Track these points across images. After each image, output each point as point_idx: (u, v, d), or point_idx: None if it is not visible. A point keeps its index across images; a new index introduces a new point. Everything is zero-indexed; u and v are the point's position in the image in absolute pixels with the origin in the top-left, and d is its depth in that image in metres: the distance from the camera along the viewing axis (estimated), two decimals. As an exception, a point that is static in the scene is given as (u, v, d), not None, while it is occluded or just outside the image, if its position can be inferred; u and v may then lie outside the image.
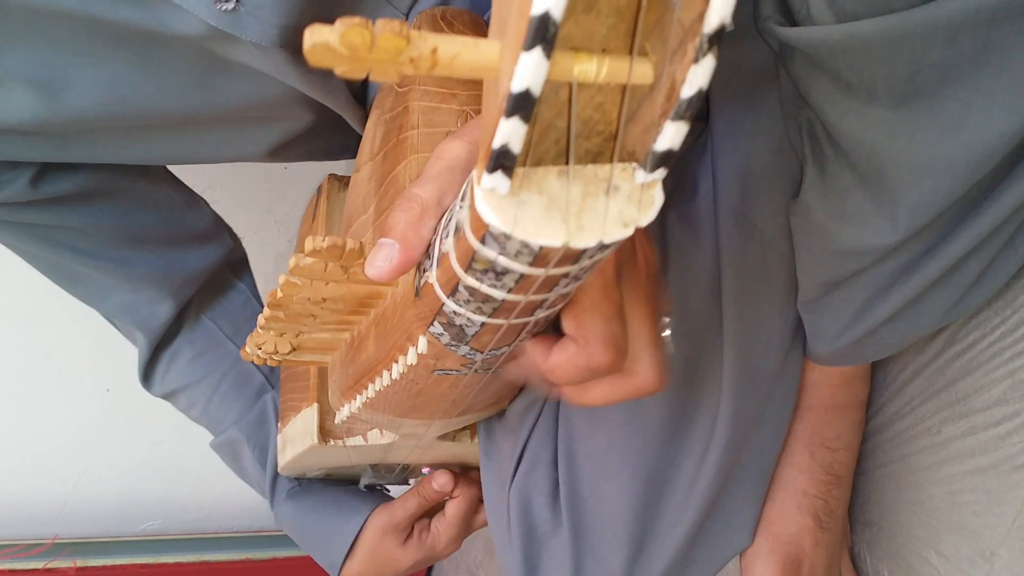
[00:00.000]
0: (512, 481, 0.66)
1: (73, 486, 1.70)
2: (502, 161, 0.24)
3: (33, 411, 1.62)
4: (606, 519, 0.62)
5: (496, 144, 0.23)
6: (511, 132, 0.23)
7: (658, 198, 0.26)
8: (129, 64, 0.57)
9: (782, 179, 0.56)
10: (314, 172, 0.86)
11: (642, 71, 0.24)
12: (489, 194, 0.25)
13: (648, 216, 0.26)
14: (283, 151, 0.72)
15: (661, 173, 0.25)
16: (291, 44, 0.55)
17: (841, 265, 0.54)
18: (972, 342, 0.62)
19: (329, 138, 0.74)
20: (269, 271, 0.96)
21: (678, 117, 0.23)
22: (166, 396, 0.89)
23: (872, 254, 0.52)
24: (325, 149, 0.76)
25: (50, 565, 1.58)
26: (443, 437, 0.74)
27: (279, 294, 0.48)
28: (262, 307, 0.89)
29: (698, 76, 0.22)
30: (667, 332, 0.42)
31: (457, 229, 0.31)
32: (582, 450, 0.64)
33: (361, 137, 0.71)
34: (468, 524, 0.84)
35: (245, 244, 0.91)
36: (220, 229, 0.86)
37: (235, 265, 0.89)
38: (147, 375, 0.87)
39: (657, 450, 0.61)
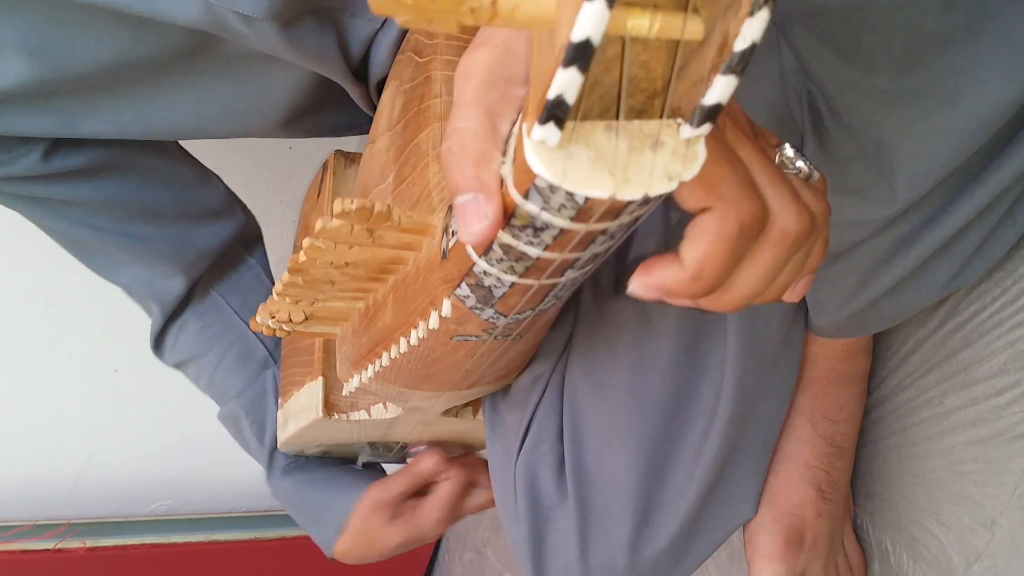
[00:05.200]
0: (518, 455, 0.67)
1: (83, 467, 1.70)
2: (555, 112, 0.24)
3: (42, 393, 1.63)
4: (611, 491, 0.63)
5: (551, 95, 0.23)
6: (567, 82, 0.23)
7: (701, 153, 0.26)
8: (128, 33, 0.57)
9: None
10: (319, 153, 0.87)
11: (693, 27, 0.24)
12: (539, 146, 0.25)
13: (692, 170, 0.26)
14: (288, 124, 0.72)
15: (707, 128, 0.26)
16: (281, 16, 0.55)
17: (841, 236, 0.54)
18: (973, 313, 0.62)
19: (334, 114, 0.74)
20: (275, 250, 0.96)
21: (729, 71, 0.23)
22: (176, 365, 0.90)
23: (872, 225, 0.52)
24: (331, 125, 0.76)
25: (60, 545, 1.59)
26: (447, 413, 0.74)
27: (302, 258, 0.47)
28: (272, 282, 0.90)
29: (752, 30, 0.22)
30: (789, 151, 0.36)
31: None
32: (587, 423, 0.64)
33: (365, 113, 0.71)
34: (457, 507, 0.83)
35: (252, 226, 0.91)
36: (233, 205, 0.86)
37: (248, 240, 0.89)
38: (158, 345, 0.88)
39: (661, 423, 0.62)
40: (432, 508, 0.82)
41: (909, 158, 0.47)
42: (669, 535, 0.63)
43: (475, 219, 0.31)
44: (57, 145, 0.68)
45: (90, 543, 1.61)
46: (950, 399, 0.65)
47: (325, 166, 0.84)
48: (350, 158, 0.84)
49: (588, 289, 0.67)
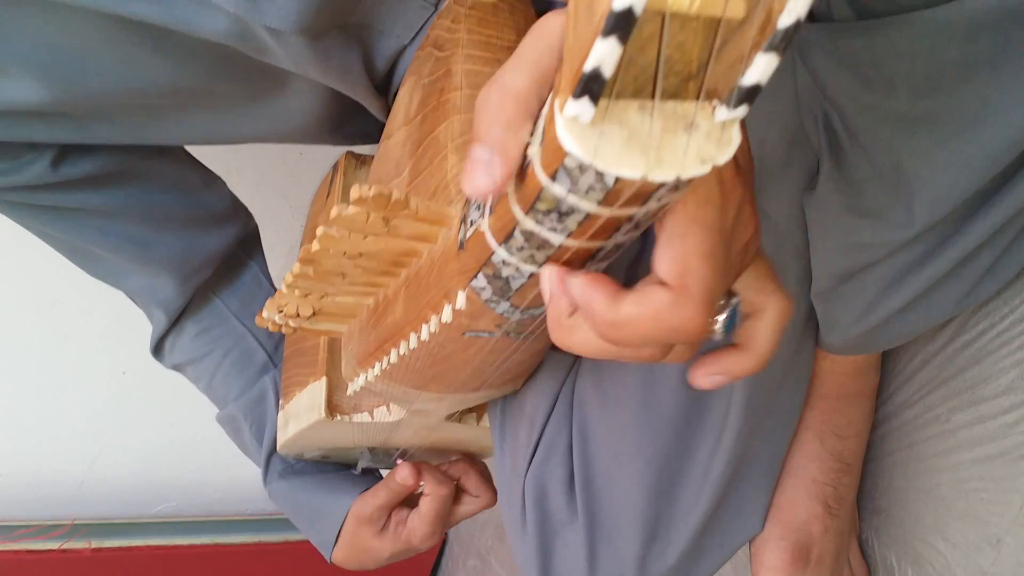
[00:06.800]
0: (528, 469, 0.67)
1: (89, 468, 1.70)
2: (591, 85, 0.23)
3: (49, 394, 1.63)
4: (620, 507, 0.63)
5: (588, 66, 0.23)
6: (606, 53, 0.22)
7: (736, 137, 0.26)
8: (145, 49, 0.57)
9: (797, 171, 0.57)
10: (328, 159, 0.87)
11: (734, 4, 0.23)
12: (571, 122, 0.25)
13: (726, 155, 0.26)
14: (300, 133, 0.72)
15: (744, 110, 0.25)
16: (310, 30, 0.55)
17: (856, 257, 0.55)
18: (981, 331, 0.63)
19: (349, 123, 0.74)
20: (284, 255, 0.96)
21: (771, 48, 0.23)
22: (175, 368, 0.90)
23: (887, 247, 0.52)
24: (344, 133, 0.76)
25: (66, 546, 1.59)
26: (450, 418, 0.74)
27: (315, 246, 0.47)
28: (271, 285, 0.89)
29: (798, 4, 0.22)
30: (730, 307, 0.38)
31: (520, 168, 0.31)
32: (596, 439, 0.64)
33: (379, 123, 0.72)
34: (443, 520, 0.82)
35: (260, 230, 0.91)
36: (237, 208, 0.86)
37: (247, 242, 0.89)
38: (158, 348, 0.88)
39: (671, 439, 0.62)
40: (418, 524, 0.80)
41: (928, 183, 0.47)
42: (677, 551, 0.63)
43: (481, 174, 0.30)
44: (66, 153, 0.67)
45: (95, 544, 1.61)
46: (957, 416, 0.65)
47: (336, 167, 0.84)
48: (361, 160, 0.84)
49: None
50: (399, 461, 0.86)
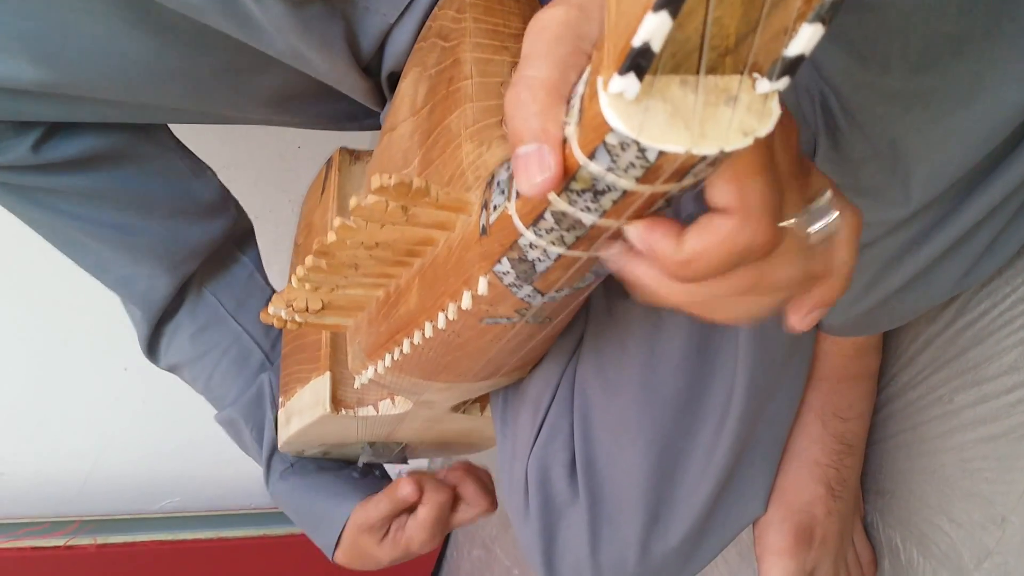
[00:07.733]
0: (531, 452, 0.67)
1: (92, 465, 1.71)
2: (639, 61, 0.23)
3: (52, 391, 1.63)
4: (622, 489, 0.63)
5: (637, 41, 0.22)
6: (656, 28, 0.22)
7: (776, 109, 0.26)
8: (126, 21, 0.57)
9: None
10: (327, 153, 0.86)
11: None
12: (616, 99, 0.25)
13: (767, 126, 0.26)
14: (284, 108, 0.71)
15: (785, 82, 0.25)
16: None
17: None
18: (983, 311, 0.62)
19: (334, 100, 0.73)
20: (283, 250, 0.95)
21: (817, 19, 0.23)
22: (170, 369, 0.89)
23: (884, 226, 0.52)
24: (329, 114, 0.75)
25: (71, 543, 1.59)
26: (455, 409, 0.74)
27: (331, 238, 0.46)
28: (266, 281, 0.88)
29: None
30: (823, 200, 0.36)
31: None
32: (598, 421, 0.64)
33: (365, 107, 0.71)
34: (441, 526, 0.82)
35: (259, 224, 0.90)
36: (226, 201, 0.84)
37: (240, 238, 0.88)
38: (151, 348, 0.87)
39: (672, 420, 0.62)
40: (416, 531, 0.81)
41: (924, 159, 0.47)
42: (680, 533, 0.63)
43: (537, 170, 0.30)
44: (49, 135, 0.67)
45: (100, 540, 1.61)
46: (960, 397, 0.65)
47: (329, 163, 0.83)
48: (355, 155, 0.83)
49: (599, 287, 0.67)
50: (400, 471, 0.86)
